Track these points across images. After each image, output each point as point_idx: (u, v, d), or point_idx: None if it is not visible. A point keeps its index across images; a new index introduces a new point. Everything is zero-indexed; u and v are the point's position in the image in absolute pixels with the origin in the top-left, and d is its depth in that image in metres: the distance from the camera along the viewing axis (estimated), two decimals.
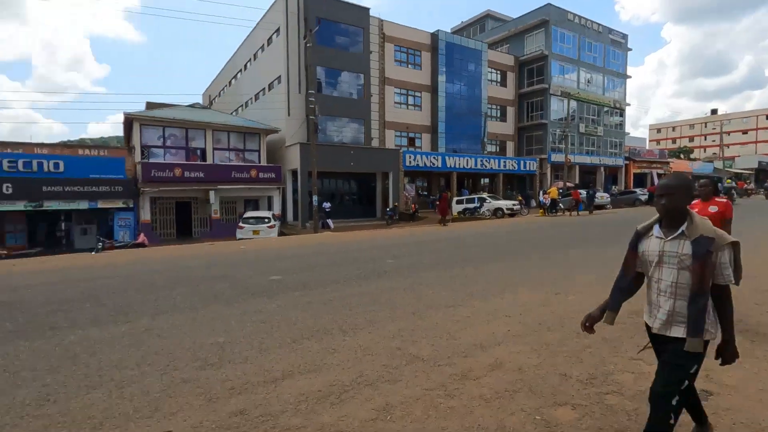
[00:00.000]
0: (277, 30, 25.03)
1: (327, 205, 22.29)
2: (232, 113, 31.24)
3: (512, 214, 23.96)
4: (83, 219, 20.05)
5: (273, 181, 22.34)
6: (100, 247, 15.58)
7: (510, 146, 36.74)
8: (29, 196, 16.82)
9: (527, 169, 33.79)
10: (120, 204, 18.88)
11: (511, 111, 36.67)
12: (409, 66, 29.85)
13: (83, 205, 18.07)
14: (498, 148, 35.92)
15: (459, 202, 25.96)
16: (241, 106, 32.35)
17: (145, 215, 19.52)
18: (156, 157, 20.56)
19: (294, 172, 23.09)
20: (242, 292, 6.17)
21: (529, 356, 3.58)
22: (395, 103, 29.04)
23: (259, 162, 22.87)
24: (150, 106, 24.67)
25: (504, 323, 4.48)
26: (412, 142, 30.32)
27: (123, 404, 2.88)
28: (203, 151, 21.80)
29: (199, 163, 21.22)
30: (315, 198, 19.32)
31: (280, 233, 18.92)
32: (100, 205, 18.46)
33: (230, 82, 35.64)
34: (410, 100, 30.02)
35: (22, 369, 3.54)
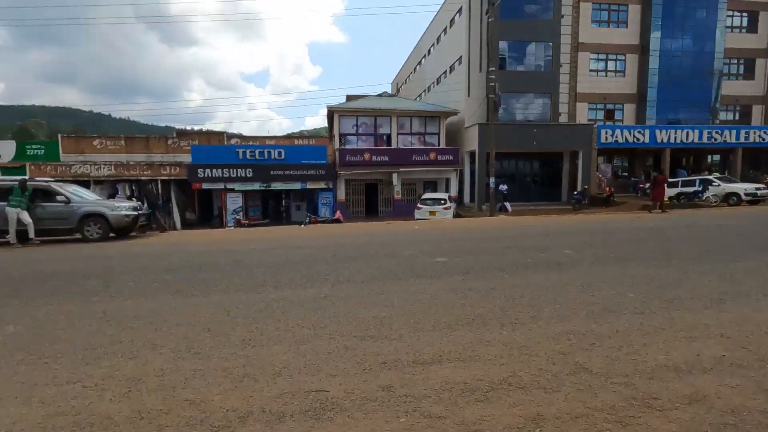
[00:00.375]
0: (459, 10, 24.78)
1: (503, 187, 21.38)
2: (415, 99, 32.79)
3: (755, 200, 18.39)
4: (297, 197, 24.38)
5: (450, 163, 22.63)
6: (307, 221, 18.72)
7: (758, 111, 27.99)
8: (262, 178, 21.35)
9: None
10: (323, 185, 22.20)
11: (761, 64, 27.75)
12: (611, 25, 25.58)
13: (297, 186, 21.96)
14: (737, 115, 27.81)
15: (673, 185, 21.32)
16: (424, 90, 33.57)
17: (341, 195, 22.47)
18: (350, 144, 23.31)
19: (472, 154, 22.87)
20: (408, 270, 6.47)
21: (751, 396, 2.66)
22: (590, 71, 25.45)
23: (438, 144, 23.44)
24: (349, 98, 27.99)
25: (717, 345, 3.45)
26: (610, 115, 26.19)
27: (296, 359, 3.37)
28: (388, 137, 23.60)
29: (384, 147, 23.11)
30: (492, 180, 18.74)
31: (456, 215, 19.13)
32: (309, 186, 22.09)
33: (415, 69, 37.31)
34: (610, 65, 25.82)
35: (238, 316, 4.52)
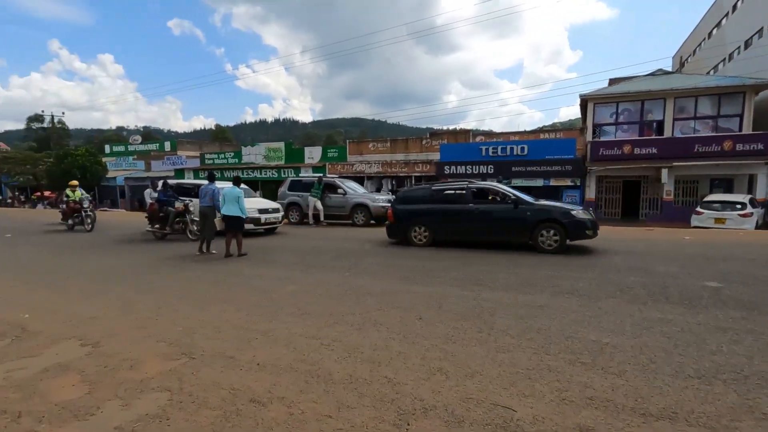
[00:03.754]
0: None
1: None
2: (708, 73, 25.60)
3: None
4: (540, 195, 23.08)
5: (759, 155, 16.66)
6: None
7: None
8: (503, 175, 21.27)
9: None
10: (568, 182, 20.27)
11: None
12: None
13: (539, 182, 20.82)
14: None
15: None
16: (723, 60, 25.81)
17: (590, 194, 19.95)
18: (607, 135, 20.34)
19: None
20: (657, 292, 5.20)
21: None
22: None
23: (739, 130, 17.63)
24: (612, 82, 24.43)
25: None
26: None
27: (492, 367, 3.26)
28: (660, 124, 19.36)
29: (652, 137, 19.08)
30: None
31: (761, 226, 14.02)
32: (552, 183, 20.59)
33: (709, 34, 29.11)
34: None
35: (449, 310, 4.71)
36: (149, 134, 78.44)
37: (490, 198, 9.36)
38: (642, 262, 7.25)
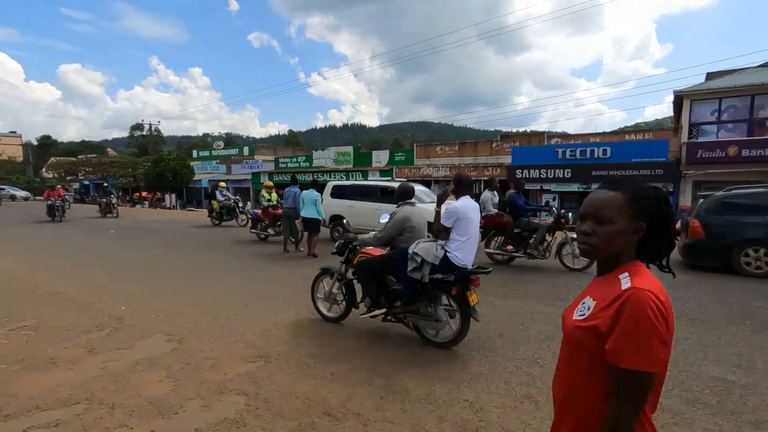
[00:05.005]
0: None
1: None
2: None
3: None
4: None
5: None
6: None
7: None
8: (582, 179, 19.81)
9: None
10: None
11: None
12: None
13: None
14: None
15: None
16: None
17: (685, 200, 17.89)
18: (706, 136, 18.13)
19: None
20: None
21: None
22: None
23: None
24: (710, 76, 21.83)
25: None
26: None
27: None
28: (763, 121, 16.85)
29: (765, 137, 16.65)
30: None
31: None
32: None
33: None
34: None
35: (531, 328, 4.30)
36: (230, 140, 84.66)
37: None
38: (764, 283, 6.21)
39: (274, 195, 11.29)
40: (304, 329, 4.29)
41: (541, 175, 20.60)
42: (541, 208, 8.53)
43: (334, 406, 2.77)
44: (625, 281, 1.00)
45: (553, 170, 20.29)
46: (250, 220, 12.20)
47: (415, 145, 29.42)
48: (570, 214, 7.64)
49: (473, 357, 3.57)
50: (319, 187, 9.25)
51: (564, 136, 24.24)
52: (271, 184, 11.60)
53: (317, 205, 8.60)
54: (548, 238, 7.30)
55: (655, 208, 1.05)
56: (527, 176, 20.84)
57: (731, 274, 6.74)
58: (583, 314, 1.05)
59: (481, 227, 7.35)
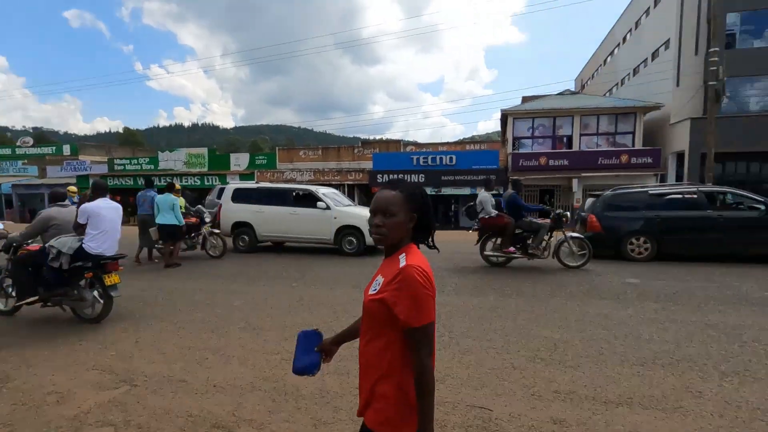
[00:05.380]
0: None
1: None
2: (604, 95, 29.00)
3: None
4: (466, 203, 24.33)
5: (648, 167, 19.18)
6: (475, 226, 18.50)
7: None
8: (434, 184, 22.07)
9: None
10: (493, 191, 21.62)
11: None
12: None
13: (466, 191, 21.93)
14: None
15: None
16: (616, 85, 29.42)
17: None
18: (525, 148, 22.06)
19: (679, 155, 18.91)
20: (588, 290, 5.70)
21: None
22: None
23: (633, 145, 20.16)
24: (525, 99, 26.65)
25: None
26: None
27: (460, 369, 3.30)
28: (569, 139, 21.46)
29: (564, 150, 21.10)
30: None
31: None
32: (477, 191, 21.80)
33: (604, 61, 33.05)
34: None
35: None
36: (42, 136, 69.20)
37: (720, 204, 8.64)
38: None
39: (182, 199, 9.11)
40: (171, 344, 3.89)
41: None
42: (541, 208, 8.72)
43: (223, 417, 2.63)
44: (402, 260, 1.24)
45: (409, 175, 22.08)
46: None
47: (277, 148, 28.68)
48: (568, 213, 8.00)
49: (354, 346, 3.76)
50: (176, 191, 8.39)
51: (417, 144, 26.59)
52: (178, 186, 9.07)
53: (175, 210, 7.82)
54: (546, 237, 7.48)
55: (421, 201, 1.33)
56: (387, 180, 22.27)
57: (620, 260, 8.16)
58: (375, 289, 1.27)
59: (479, 228, 7.75)
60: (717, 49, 15.41)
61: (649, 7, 23.72)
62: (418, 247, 1.36)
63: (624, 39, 28.40)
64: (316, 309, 5.03)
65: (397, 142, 26.44)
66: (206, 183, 25.50)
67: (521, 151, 21.71)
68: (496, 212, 7.54)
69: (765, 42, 18.49)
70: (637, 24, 25.82)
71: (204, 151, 27.86)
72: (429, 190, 22.15)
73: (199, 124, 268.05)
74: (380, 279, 1.29)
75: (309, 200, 9.81)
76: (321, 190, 10.09)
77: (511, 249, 7.41)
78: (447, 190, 22.22)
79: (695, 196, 8.16)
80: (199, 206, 9.66)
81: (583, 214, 9.19)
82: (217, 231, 9.35)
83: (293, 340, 3.97)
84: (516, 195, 7.66)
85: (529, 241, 7.37)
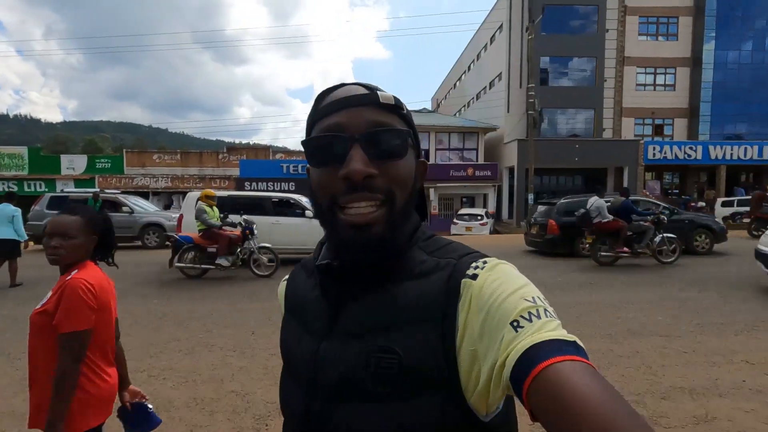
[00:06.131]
0: (500, 27, 24.96)
1: None
2: (455, 114, 33.02)
3: None
4: None
5: (489, 179, 22.59)
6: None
7: None
8: (304, 192, 22.26)
9: None
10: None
11: None
12: (660, 38, 24.79)
13: None
14: None
15: (727, 204, 20.12)
16: (464, 106, 33.75)
17: None
18: None
19: (511, 170, 22.72)
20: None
21: (762, 423, 2.73)
22: (637, 85, 24.68)
23: (476, 160, 23.49)
24: None
25: (738, 370, 3.48)
26: (659, 130, 25.20)
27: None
28: (426, 152, 23.94)
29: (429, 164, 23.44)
30: (530, 196, 18.57)
31: (494, 231, 19.04)
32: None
33: (455, 85, 37.62)
34: (658, 79, 24.93)
35: (278, 322, 4.96)
36: None
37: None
38: None
39: (216, 210, 7.56)
40: (11, 371, 3.46)
41: (269, 188, 21.84)
42: (649, 213, 8.91)
43: None
44: (71, 275, 1.39)
45: (279, 183, 21.88)
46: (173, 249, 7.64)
47: (124, 150, 25.38)
48: (664, 218, 8.62)
49: (232, 355, 3.89)
50: (18, 201, 7.06)
51: (287, 151, 26.45)
52: (213, 194, 7.64)
53: (15, 222, 6.67)
54: (651, 237, 8.27)
55: (103, 225, 1.52)
56: (256, 188, 21.66)
57: (569, 257, 9.54)
58: (42, 303, 1.39)
59: (593, 232, 8.28)
60: (533, 85, 19.09)
61: (486, 44, 27.99)
62: (97, 264, 1.53)
63: (469, 67, 32.85)
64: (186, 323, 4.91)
65: (266, 148, 25.92)
66: (27, 189, 21.27)
67: None
68: (612, 217, 8.29)
69: (569, 82, 23.51)
70: (478, 56, 30.18)
71: (23, 150, 23.13)
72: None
73: (11, 116, 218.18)
74: (48, 294, 1.41)
75: (290, 208, 9.56)
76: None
77: (625, 249, 8.20)
78: None
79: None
80: (246, 218, 7.84)
81: (540, 219, 10.44)
82: (268, 245, 7.93)
83: (157, 357, 3.91)
84: (629, 201, 8.52)
85: (640, 242, 8.28)
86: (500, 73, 24.94)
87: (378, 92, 0.56)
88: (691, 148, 22.71)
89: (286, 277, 0.75)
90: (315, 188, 0.58)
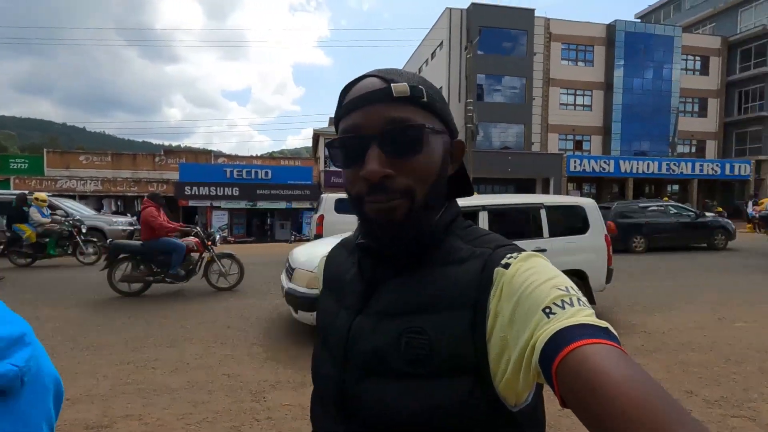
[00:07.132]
0: (441, 44, 26.49)
1: None
2: None
3: None
4: (282, 216, 24.91)
5: None
6: (292, 239, 19.33)
7: (711, 146, 30.54)
8: (248, 197, 21.91)
9: (737, 173, 27.51)
10: (307, 205, 22.87)
11: (713, 104, 30.46)
12: (579, 63, 27.75)
13: (282, 205, 22.59)
14: (694, 149, 30.25)
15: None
16: None
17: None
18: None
19: None
20: None
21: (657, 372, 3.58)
22: (560, 104, 27.39)
23: None
24: (331, 122, 29.08)
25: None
26: (579, 145, 28.10)
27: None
28: None
29: None
30: None
31: None
32: (294, 205, 22.74)
33: None
34: (578, 100, 27.87)
35: (251, 317, 5.21)
36: None
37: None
38: None
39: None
40: None
41: (211, 193, 21.27)
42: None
43: (94, 419, 2.76)
44: None
45: (222, 188, 21.36)
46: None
47: (45, 150, 23.30)
48: None
49: (215, 346, 4.14)
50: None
51: (229, 156, 25.83)
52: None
53: None
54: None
55: None
56: (197, 193, 20.99)
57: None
58: None
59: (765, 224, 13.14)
60: (471, 100, 20.58)
61: (428, 59, 29.50)
62: None
63: (419, 70, 34.30)
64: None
65: (208, 152, 25.15)
66: None
67: (332, 168, 23.76)
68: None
69: (502, 98, 25.50)
70: (420, 70, 31.63)
71: None
72: (244, 204, 21.92)
73: None
74: None
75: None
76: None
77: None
78: (263, 204, 22.39)
79: (662, 208, 12.75)
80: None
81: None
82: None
83: (141, 351, 4.06)
84: None
85: None
86: (440, 87, 26.41)
87: (392, 84, 0.56)
88: (605, 162, 25.62)
89: (326, 254, 0.79)
90: (346, 186, 0.61)
